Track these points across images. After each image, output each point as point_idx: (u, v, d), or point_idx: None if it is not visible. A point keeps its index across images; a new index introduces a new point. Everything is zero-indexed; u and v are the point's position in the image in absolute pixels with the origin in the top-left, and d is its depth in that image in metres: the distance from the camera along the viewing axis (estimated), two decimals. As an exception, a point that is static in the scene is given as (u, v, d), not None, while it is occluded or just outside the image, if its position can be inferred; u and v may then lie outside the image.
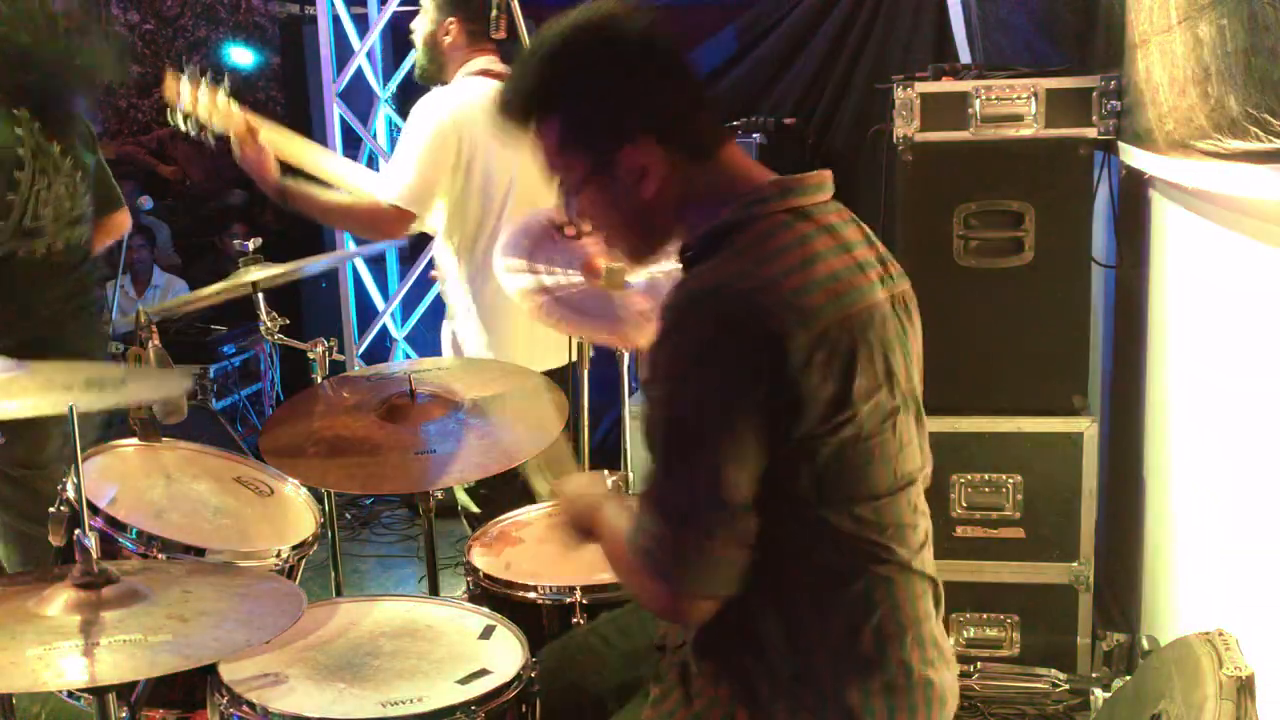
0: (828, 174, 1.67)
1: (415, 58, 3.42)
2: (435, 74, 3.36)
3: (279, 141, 3.19)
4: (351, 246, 5.06)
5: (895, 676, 1.61)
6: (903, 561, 1.63)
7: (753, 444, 1.50)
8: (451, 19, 3.28)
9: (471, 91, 3.22)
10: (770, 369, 1.48)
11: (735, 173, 1.65)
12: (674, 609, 1.59)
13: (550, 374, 2.87)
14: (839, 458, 1.55)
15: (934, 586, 1.70)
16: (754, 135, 4.38)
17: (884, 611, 1.60)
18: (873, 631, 1.59)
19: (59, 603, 1.81)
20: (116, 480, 2.46)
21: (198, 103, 3.10)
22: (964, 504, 3.31)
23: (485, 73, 3.27)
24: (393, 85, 5.10)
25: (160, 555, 2.24)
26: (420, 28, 3.35)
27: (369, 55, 5.03)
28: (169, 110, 3.15)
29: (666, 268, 2.97)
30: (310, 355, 2.84)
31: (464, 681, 1.94)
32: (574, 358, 2.85)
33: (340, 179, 3.31)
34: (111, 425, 3.00)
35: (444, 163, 3.17)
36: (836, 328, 1.54)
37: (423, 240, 4.94)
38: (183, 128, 3.15)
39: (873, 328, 1.58)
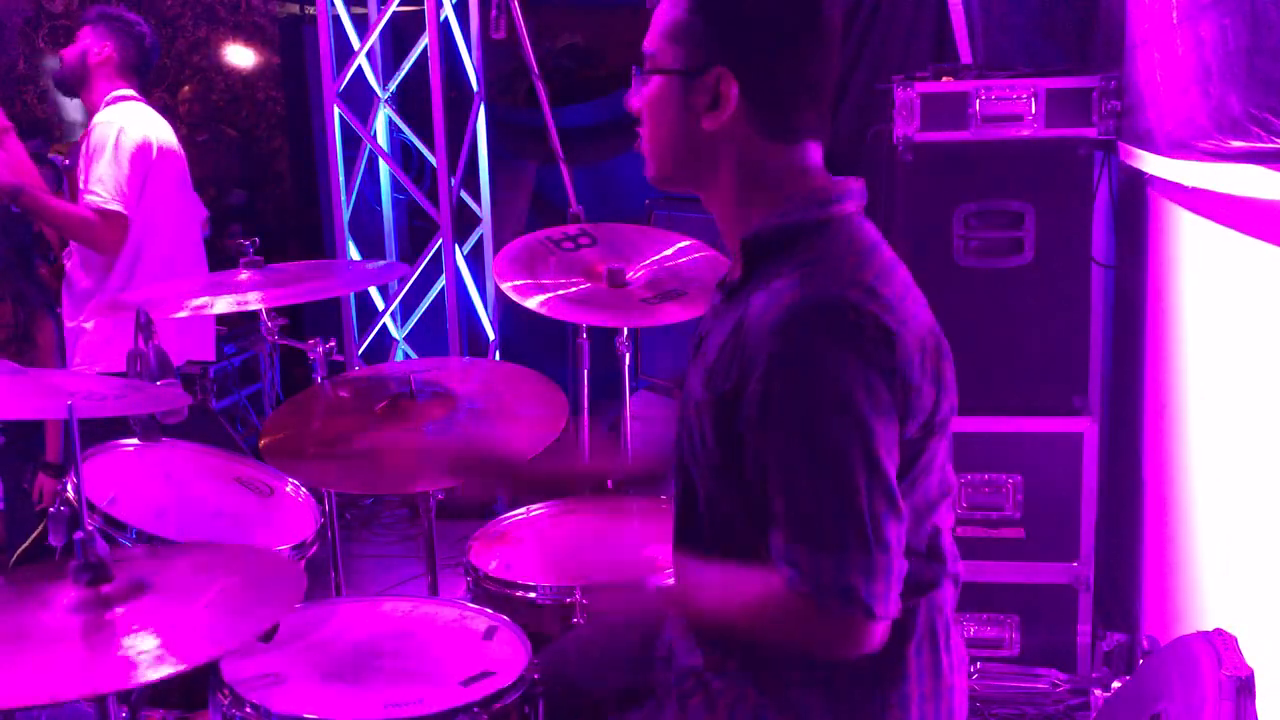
0: (862, 181, 1.66)
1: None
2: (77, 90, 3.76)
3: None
4: (354, 254, 5.06)
5: (928, 684, 1.61)
6: (948, 570, 1.64)
7: (896, 450, 1.49)
8: (108, 44, 3.66)
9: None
10: (897, 374, 1.47)
11: (806, 168, 1.61)
12: (871, 636, 1.47)
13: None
14: (926, 465, 1.56)
15: (955, 583, 1.70)
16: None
17: (928, 617, 1.60)
18: (917, 638, 1.59)
19: (60, 605, 1.80)
20: (116, 480, 2.46)
21: None
22: (964, 504, 3.31)
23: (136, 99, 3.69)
24: (393, 85, 5.10)
25: (160, 555, 2.24)
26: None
27: (369, 55, 5.02)
28: None
29: (669, 261, 2.97)
30: (310, 355, 2.84)
31: (467, 683, 1.94)
32: (574, 358, 2.86)
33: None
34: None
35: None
36: (928, 333, 1.55)
37: (423, 241, 4.95)
38: None
39: (940, 333, 1.60)
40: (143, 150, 3.57)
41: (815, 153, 1.63)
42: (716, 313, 1.66)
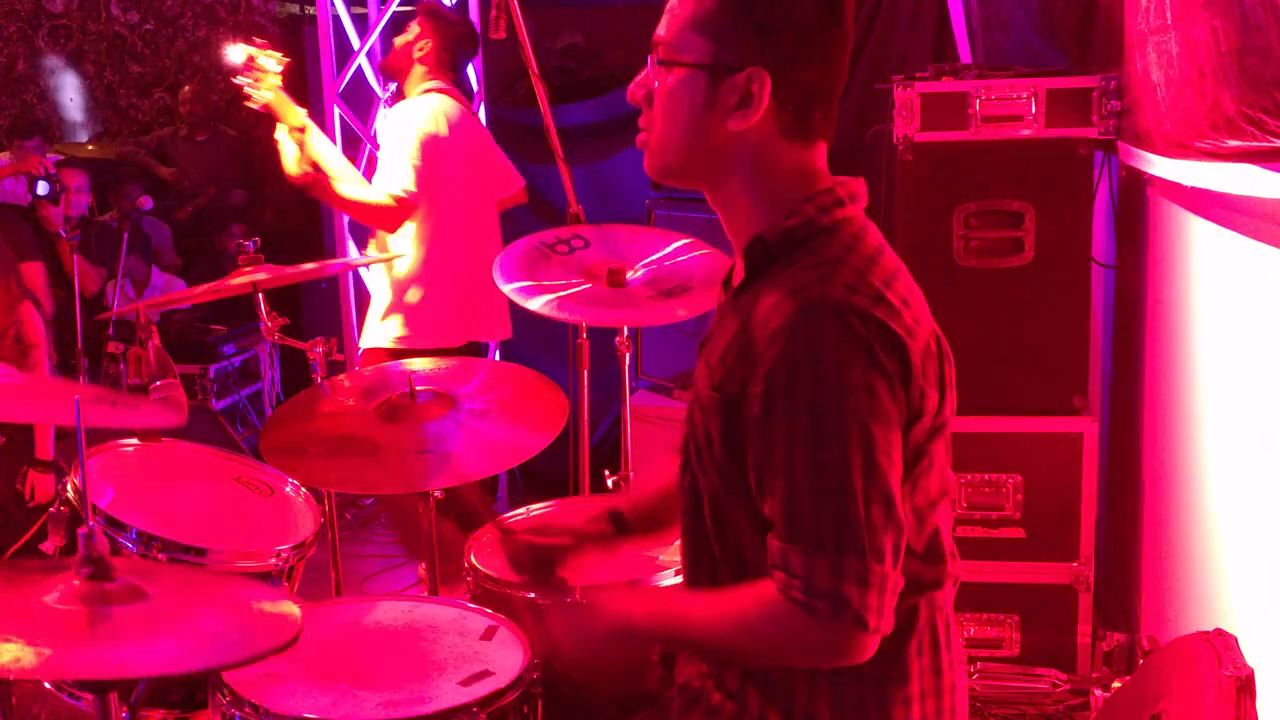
0: (864, 182, 1.65)
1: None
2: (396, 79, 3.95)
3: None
4: (355, 254, 5.06)
5: (929, 681, 1.60)
6: (948, 570, 1.63)
7: (899, 456, 1.48)
8: (427, 40, 3.80)
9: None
10: (902, 379, 1.47)
11: (815, 169, 1.59)
12: (861, 648, 1.45)
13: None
14: (927, 466, 1.56)
15: (955, 583, 1.69)
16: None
17: (928, 616, 1.60)
18: (918, 636, 1.59)
19: (62, 597, 1.80)
20: (116, 480, 2.46)
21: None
22: (964, 504, 3.31)
23: (440, 90, 3.80)
24: (393, 85, 5.10)
25: (160, 555, 2.24)
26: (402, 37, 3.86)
27: (369, 55, 5.02)
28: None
29: (667, 260, 2.98)
30: (310, 355, 2.84)
31: (466, 683, 1.95)
32: (574, 358, 2.87)
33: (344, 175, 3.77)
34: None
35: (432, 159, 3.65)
36: (931, 337, 1.55)
37: (423, 240, 4.95)
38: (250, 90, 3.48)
39: (941, 335, 1.59)
40: (432, 140, 3.68)
41: (822, 154, 1.61)
42: (722, 313, 1.65)
